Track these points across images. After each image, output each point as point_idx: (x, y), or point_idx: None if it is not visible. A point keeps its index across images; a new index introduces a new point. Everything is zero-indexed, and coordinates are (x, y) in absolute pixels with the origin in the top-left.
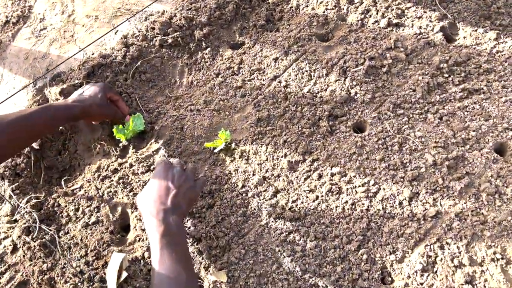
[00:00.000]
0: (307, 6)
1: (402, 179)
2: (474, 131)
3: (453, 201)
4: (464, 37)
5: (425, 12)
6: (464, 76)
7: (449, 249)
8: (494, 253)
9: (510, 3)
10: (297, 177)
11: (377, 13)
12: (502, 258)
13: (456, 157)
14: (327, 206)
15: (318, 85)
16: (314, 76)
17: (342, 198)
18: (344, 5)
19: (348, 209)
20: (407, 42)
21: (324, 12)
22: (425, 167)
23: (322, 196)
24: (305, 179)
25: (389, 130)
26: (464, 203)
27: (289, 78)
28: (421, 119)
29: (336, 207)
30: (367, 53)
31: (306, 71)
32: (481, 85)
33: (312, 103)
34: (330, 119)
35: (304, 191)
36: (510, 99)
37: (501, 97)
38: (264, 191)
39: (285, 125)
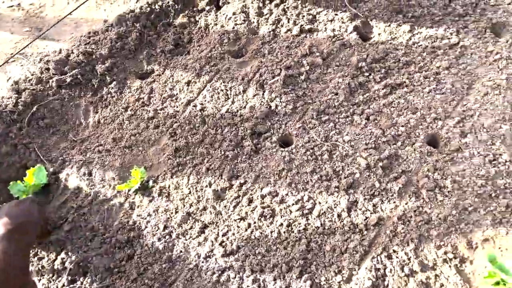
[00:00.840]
0: (216, 25)
1: (337, 189)
2: (403, 126)
3: (394, 203)
4: (379, 34)
5: (336, 14)
6: (384, 72)
7: (397, 257)
8: (445, 253)
9: None
10: (225, 207)
11: (288, 22)
12: (455, 257)
13: (389, 156)
14: (261, 233)
15: (236, 103)
16: (231, 94)
17: (276, 221)
18: (254, 18)
19: (284, 232)
20: (322, 46)
21: (234, 28)
22: (359, 172)
23: (254, 222)
24: (235, 206)
25: (316, 139)
26: (405, 203)
27: (205, 100)
28: (348, 122)
29: (271, 232)
30: (283, 63)
31: (222, 90)
32: (403, 79)
33: (233, 123)
34: (253, 137)
35: (235, 220)
36: (433, 88)
37: (425, 88)
38: (189, 229)
39: (206, 151)
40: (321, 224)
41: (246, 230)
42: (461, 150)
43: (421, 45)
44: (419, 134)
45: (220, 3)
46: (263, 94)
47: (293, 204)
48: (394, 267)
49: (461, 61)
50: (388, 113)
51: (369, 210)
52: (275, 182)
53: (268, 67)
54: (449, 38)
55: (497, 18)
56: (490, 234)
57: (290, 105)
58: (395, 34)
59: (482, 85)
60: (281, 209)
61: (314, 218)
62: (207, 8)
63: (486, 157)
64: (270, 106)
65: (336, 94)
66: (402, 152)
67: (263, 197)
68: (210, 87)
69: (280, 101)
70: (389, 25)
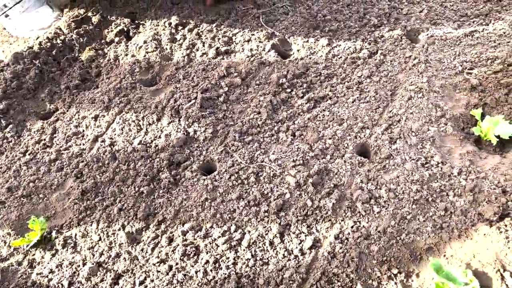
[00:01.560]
0: (126, 55)
1: (267, 214)
2: (330, 138)
3: (329, 221)
4: (298, 50)
5: (252, 34)
6: (307, 86)
7: (338, 281)
8: (389, 268)
9: (335, 10)
10: (142, 250)
11: (203, 45)
12: (400, 272)
13: (319, 171)
14: (185, 275)
15: (150, 133)
16: (143, 124)
17: (201, 259)
18: (167, 45)
19: (211, 270)
20: (240, 66)
21: (145, 56)
22: (289, 191)
23: (177, 264)
24: (153, 248)
25: (241, 162)
26: (341, 220)
27: (115, 134)
28: (273, 140)
29: (196, 272)
30: (200, 86)
31: (134, 121)
32: (326, 91)
33: (147, 155)
34: (171, 168)
35: (154, 264)
36: (357, 97)
37: (348, 98)
38: (100, 281)
39: (118, 189)
40: (252, 255)
41: (167, 273)
42: (393, 157)
43: (341, 57)
44: (347, 145)
45: (131, 34)
46: (179, 121)
47: (219, 237)
48: None
49: (381, 69)
50: (314, 127)
51: (303, 233)
52: (198, 215)
53: (184, 92)
54: (367, 48)
55: (411, 25)
56: (432, 242)
57: (210, 129)
58: (314, 48)
59: (405, 90)
60: (206, 245)
61: (244, 250)
62: (117, 39)
63: (418, 161)
64: (188, 132)
65: (259, 113)
66: (332, 165)
67: (184, 233)
68: (120, 119)
69: (199, 126)
70: (307, 40)
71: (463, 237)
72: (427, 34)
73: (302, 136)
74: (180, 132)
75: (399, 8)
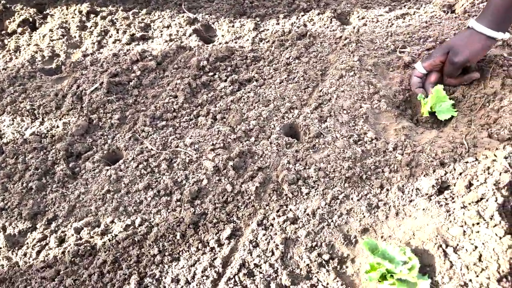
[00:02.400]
0: (29, 45)
1: (179, 203)
2: (255, 119)
3: (252, 207)
4: (223, 35)
5: (173, 20)
6: (231, 70)
7: (261, 272)
8: (319, 255)
9: None
10: (25, 254)
11: (117, 32)
12: (332, 258)
13: (241, 153)
14: (75, 280)
15: (46, 123)
16: (39, 114)
17: (98, 259)
18: (76, 33)
19: (108, 272)
20: (156, 51)
21: (49, 44)
22: (206, 177)
23: (66, 268)
24: (38, 252)
25: (152, 149)
26: (266, 205)
27: (3, 126)
28: (191, 125)
29: (90, 275)
30: (108, 72)
31: (28, 111)
32: (252, 74)
33: (40, 146)
34: (70, 160)
35: (38, 270)
36: (285, 78)
37: (276, 80)
38: None
39: (2, 186)
40: (159, 250)
41: (53, 280)
42: (323, 136)
43: (268, 41)
44: (274, 126)
45: (37, 24)
46: (81, 108)
47: (120, 232)
48: (257, 285)
49: (311, 50)
50: (238, 109)
51: (221, 221)
52: (97, 210)
53: (89, 78)
54: (296, 31)
55: (341, 9)
56: (368, 222)
57: (117, 115)
58: (240, 33)
59: (336, 69)
60: (104, 242)
61: (150, 245)
62: (20, 30)
63: (350, 138)
64: (91, 120)
65: (175, 96)
66: (257, 147)
67: (78, 231)
68: (11, 109)
69: (104, 112)
70: (233, 25)
71: (401, 214)
72: (358, 17)
73: (225, 119)
74: (81, 119)
75: None
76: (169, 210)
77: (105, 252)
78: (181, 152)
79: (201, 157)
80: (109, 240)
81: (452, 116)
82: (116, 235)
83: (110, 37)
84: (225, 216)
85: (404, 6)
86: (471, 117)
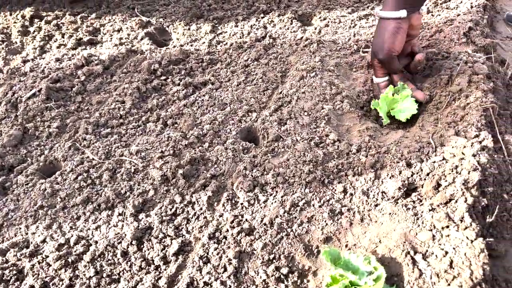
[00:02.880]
0: None
1: (122, 216)
2: (209, 124)
3: (204, 219)
4: (178, 38)
5: (125, 24)
6: (185, 73)
7: None
8: (277, 268)
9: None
10: None
11: (63, 37)
12: (292, 272)
13: (192, 161)
14: None
15: None
16: None
17: (25, 284)
18: (17, 38)
19: None
20: (104, 55)
21: None
22: (153, 188)
23: None
24: None
25: (93, 159)
26: (219, 216)
27: None
28: (139, 131)
29: None
30: (49, 77)
31: None
32: (208, 77)
33: None
34: (0, 174)
35: None
36: (243, 80)
37: (233, 82)
38: None
39: None
40: (96, 271)
41: None
42: (282, 139)
43: (226, 43)
44: (230, 130)
45: None
46: (15, 116)
47: (53, 252)
48: None
49: (271, 52)
50: (191, 113)
51: (168, 236)
52: (27, 228)
53: (27, 84)
54: (255, 33)
55: (302, 10)
56: (331, 230)
57: (56, 123)
58: (196, 36)
59: (296, 70)
60: (33, 265)
61: (86, 266)
62: None
63: (311, 141)
64: (26, 129)
65: (123, 102)
66: (211, 153)
67: (3, 253)
68: None
69: (42, 121)
70: (189, 28)
71: (366, 220)
72: (320, 18)
73: (176, 125)
74: (15, 129)
75: None
76: (109, 226)
77: (33, 276)
78: (126, 161)
79: (148, 166)
80: (39, 262)
81: (415, 115)
82: (47, 256)
83: (54, 42)
84: (173, 230)
85: (368, 7)
86: (437, 115)
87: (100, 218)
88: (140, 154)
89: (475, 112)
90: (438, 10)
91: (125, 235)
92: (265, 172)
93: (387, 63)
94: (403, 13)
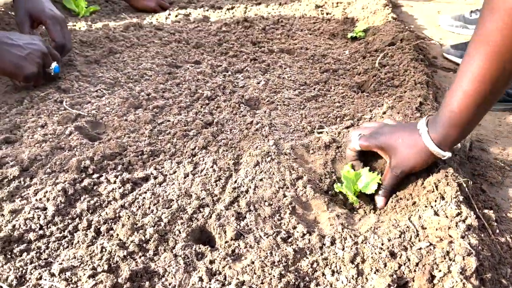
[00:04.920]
0: None
1: None
2: (152, 226)
3: None
4: (113, 131)
5: (50, 118)
6: (123, 168)
7: None
8: None
9: (162, 89)
10: None
11: None
12: None
13: (133, 275)
14: None
15: None
16: None
17: None
18: None
19: None
20: (23, 155)
21: None
22: None
23: None
24: None
25: (1, 287)
26: None
27: None
28: (65, 244)
29: None
30: None
31: None
32: (149, 171)
33: None
34: None
35: None
36: (191, 171)
37: (179, 174)
38: None
39: None
40: None
41: None
42: (243, 237)
43: (169, 132)
44: (179, 232)
45: None
46: None
47: None
48: None
49: (220, 138)
50: (129, 215)
51: None
52: None
53: None
54: (201, 119)
55: (249, 95)
56: None
57: None
58: (135, 126)
59: (250, 156)
60: None
61: None
62: None
63: (277, 236)
64: None
65: (44, 209)
66: (156, 264)
67: None
68: None
69: None
70: (126, 119)
71: None
72: (268, 101)
73: (112, 231)
74: None
75: (235, 82)
76: None
77: None
78: (45, 286)
79: None
80: None
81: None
82: None
83: None
84: None
85: (314, 88)
86: (410, 191)
87: None
88: (65, 274)
89: (450, 188)
90: (384, 89)
91: None
92: (226, 282)
93: (399, 179)
94: (449, 154)
